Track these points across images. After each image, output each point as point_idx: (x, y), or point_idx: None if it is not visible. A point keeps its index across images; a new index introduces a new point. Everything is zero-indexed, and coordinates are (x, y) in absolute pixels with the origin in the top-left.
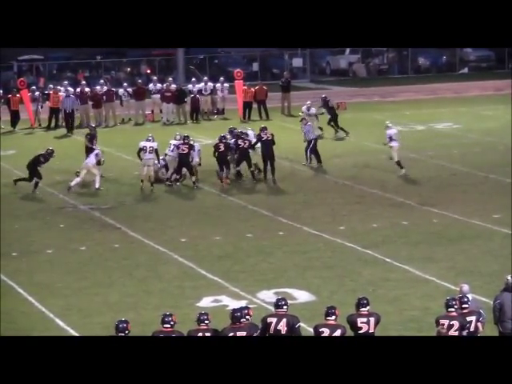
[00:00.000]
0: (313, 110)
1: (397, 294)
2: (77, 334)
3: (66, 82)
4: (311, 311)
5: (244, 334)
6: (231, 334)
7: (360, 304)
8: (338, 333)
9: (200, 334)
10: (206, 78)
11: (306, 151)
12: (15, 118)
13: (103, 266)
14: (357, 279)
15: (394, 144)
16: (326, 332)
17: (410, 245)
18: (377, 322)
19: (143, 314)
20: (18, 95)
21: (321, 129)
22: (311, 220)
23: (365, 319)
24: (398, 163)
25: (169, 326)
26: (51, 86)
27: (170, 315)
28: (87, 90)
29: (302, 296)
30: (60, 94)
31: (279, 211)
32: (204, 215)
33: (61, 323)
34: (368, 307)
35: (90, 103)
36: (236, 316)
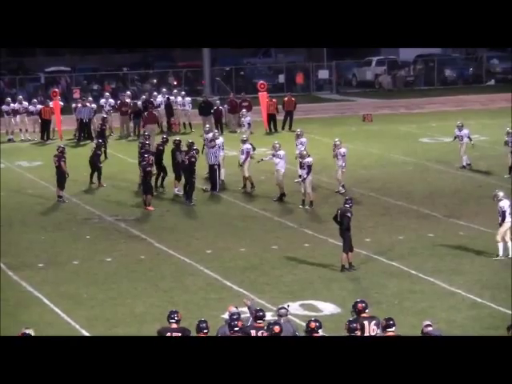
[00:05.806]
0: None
1: (422, 306)
2: None
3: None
4: (336, 323)
5: (266, 334)
6: (253, 331)
7: (387, 325)
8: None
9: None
10: (164, 89)
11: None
12: (46, 129)
13: (129, 277)
14: (382, 291)
15: None
16: None
17: (435, 257)
18: None
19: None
20: (50, 106)
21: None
22: (336, 232)
23: None
24: None
25: None
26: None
27: None
28: (128, 101)
29: (327, 308)
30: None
31: (304, 223)
32: (229, 227)
33: (87, 334)
34: (394, 328)
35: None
36: (258, 315)
